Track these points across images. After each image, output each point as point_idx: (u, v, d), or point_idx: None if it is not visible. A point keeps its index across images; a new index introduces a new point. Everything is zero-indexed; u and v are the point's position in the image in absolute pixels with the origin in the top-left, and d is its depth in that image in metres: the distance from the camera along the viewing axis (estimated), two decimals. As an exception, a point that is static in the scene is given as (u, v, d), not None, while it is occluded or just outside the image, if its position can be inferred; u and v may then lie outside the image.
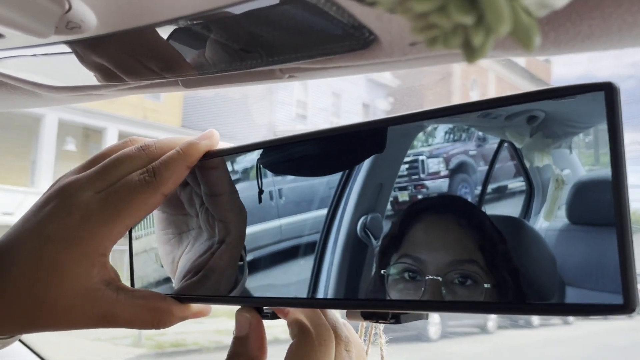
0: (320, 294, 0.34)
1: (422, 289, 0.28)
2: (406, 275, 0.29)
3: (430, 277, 0.28)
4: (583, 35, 0.27)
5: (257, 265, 0.38)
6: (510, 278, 0.26)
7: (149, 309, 0.38)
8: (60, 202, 0.36)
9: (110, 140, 9.08)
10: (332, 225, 0.33)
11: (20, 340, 0.79)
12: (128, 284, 0.40)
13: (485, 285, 0.27)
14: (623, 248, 0.23)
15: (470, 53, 0.18)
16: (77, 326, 0.37)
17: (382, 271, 0.30)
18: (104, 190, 0.36)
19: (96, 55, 0.34)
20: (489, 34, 0.17)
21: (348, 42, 0.28)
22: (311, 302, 0.35)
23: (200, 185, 0.39)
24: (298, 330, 0.35)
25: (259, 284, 0.37)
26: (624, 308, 0.23)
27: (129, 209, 0.36)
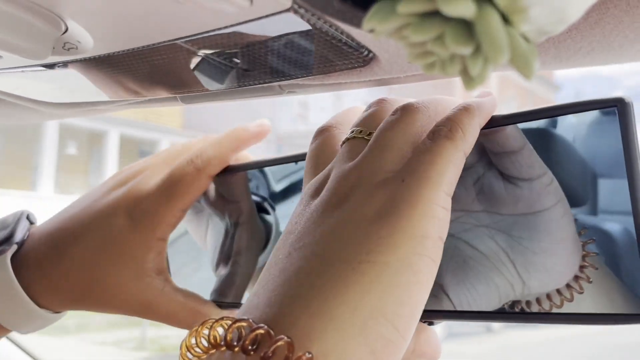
0: None
1: None
2: None
3: None
4: (584, 51, 0.27)
5: None
6: None
7: (188, 309, 0.39)
8: (132, 186, 0.39)
9: (112, 143, 9.08)
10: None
11: (19, 346, 0.79)
12: None
13: None
14: None
15: (469, 81, 0.17)
16: (121, 310, 0.39)
17: None
18: (163, 176, 0.39)
19: (98, 74, 0.34)
20: (487, 64, 0.17)
21: (347, 61, 0.28)
22: None
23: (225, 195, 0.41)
24: None
25: None
26: None
27: (178, 191, 0.38)
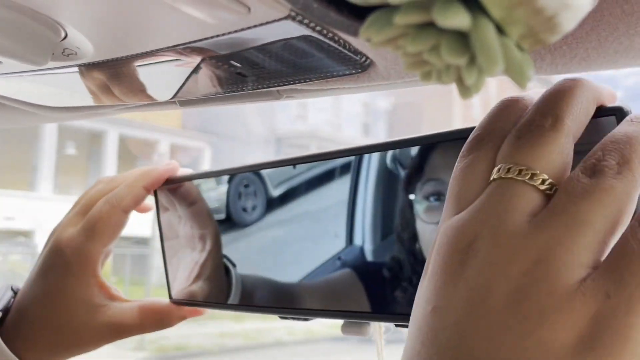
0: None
1: None
2: (431, 198, 0.31)
3: None
4: (579, 57, 0.27)
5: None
6: None
7: (151, 313, 0.43)
8: (52, 245, 0.42)
9: (111, 143, 9.08)
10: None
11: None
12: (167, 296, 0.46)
13: None
14: None
15: (464, 90, 0.18)
16: (96, 343, 0.42)
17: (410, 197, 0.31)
18: (81, 222, 0.42)
19: (95, 78, 0.34)
20: (481, 74, 0.17)
21: (344, 67, 0.28)
22: (319, 312, 0.35)
23: (176, 204, 0.44)
24: None
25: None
26: None
27: (98, 229, 0.41)
